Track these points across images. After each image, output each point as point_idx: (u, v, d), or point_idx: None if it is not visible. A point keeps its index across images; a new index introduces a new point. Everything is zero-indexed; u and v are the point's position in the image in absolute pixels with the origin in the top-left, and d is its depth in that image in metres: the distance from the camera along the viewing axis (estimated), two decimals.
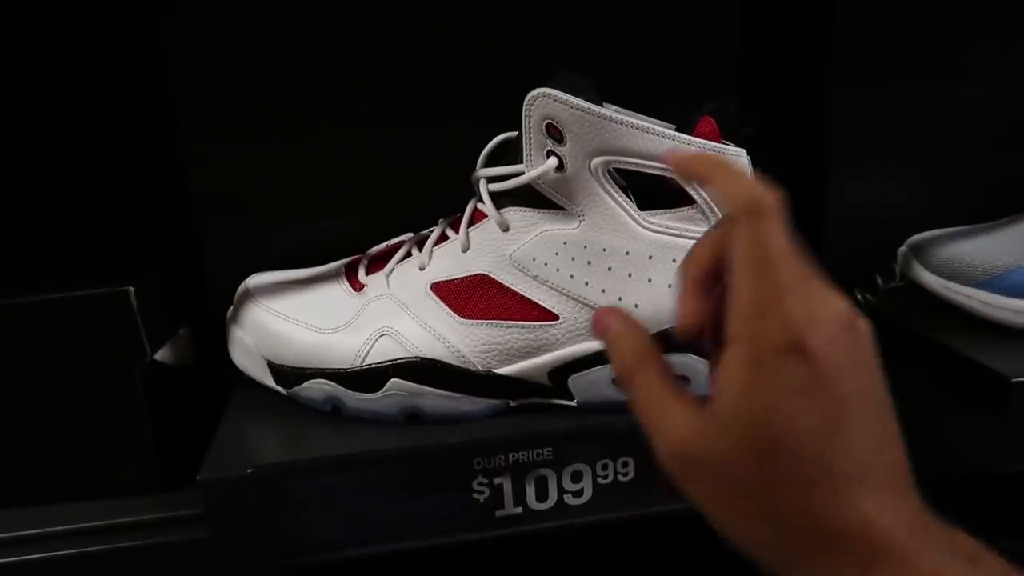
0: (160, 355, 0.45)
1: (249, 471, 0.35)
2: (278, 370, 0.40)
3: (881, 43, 0.48)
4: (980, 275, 0.45)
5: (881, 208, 0.51)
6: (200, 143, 0.45)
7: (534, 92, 0.34)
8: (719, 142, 0.37)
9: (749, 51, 0.47)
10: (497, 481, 0.37)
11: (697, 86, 0.47)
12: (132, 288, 0.42)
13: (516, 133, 0.41)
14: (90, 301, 0.42)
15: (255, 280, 0.43)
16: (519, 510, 0.38)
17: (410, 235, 0.44)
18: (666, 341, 0.34)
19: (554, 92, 0.34)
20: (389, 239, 0.45)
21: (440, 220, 0.43)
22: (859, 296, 0.51)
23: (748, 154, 0.37)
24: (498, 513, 0.38)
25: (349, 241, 0.47)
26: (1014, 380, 0.39)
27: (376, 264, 0.42)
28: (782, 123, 0.51)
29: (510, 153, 0.40)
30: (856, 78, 0.48)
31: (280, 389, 0.41)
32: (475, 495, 0.37)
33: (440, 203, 0.44)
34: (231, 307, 0.44)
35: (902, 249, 0.49)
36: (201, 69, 0.45)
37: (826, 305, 0.25)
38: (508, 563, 0.66)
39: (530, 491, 0.38)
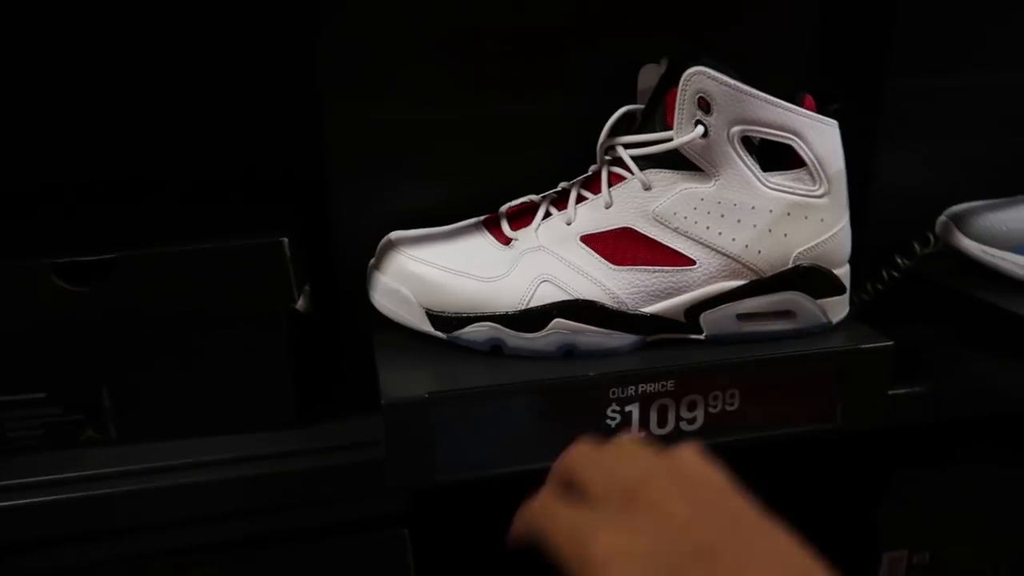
0: (298, 305, 0.50)
1: (426, 395, 0.42)
2: (438, 316, 0.46)
3: (931, 35, 0.58)
4: (1014, 240, 0.55)
5: (919, 184, 0.61)
6: (338, 103, 0.51)
7: (693, 69, 0.42)
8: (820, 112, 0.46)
9: (825, 42, 0.56)
10: (627, 409, 0.45)
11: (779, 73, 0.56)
12: (286, 239, 0.47)
13: (635, 107, 0.49)
14: (248, 250, 0.47)
15: (398, 235, 0.50)
16: (642, 434, 0.45)
17: (534, 196, 0.51)
18: (783, 280, 0.42)
19: (709, 70, 0.42)
20: (504, 201, 0.52)
21: (562, 183, 0.50)
22: (899, 260, 0.61)
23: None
24: None
25: (465, 203, 0.53)
26: None
27: (519, 220, 0.49)
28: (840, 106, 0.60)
29: (636, 123, 0.48)
30: (908, 66, 0.58)
31: (439, 334, 0.47)
32: (608, 421, 0.45)
33: (546, 168, 0.52)
34: (372, 260, 0.50)
35: (941, 218, 0.59)
36: (340, 32, 0.50)
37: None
38: None
39: (653, 418, 0.45)
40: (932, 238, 0.61)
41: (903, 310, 0.61)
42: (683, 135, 0.44)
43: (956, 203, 0.61)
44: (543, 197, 0.50)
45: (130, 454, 0.47)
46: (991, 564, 0.67)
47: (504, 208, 0.51)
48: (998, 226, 0.56)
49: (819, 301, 0.48)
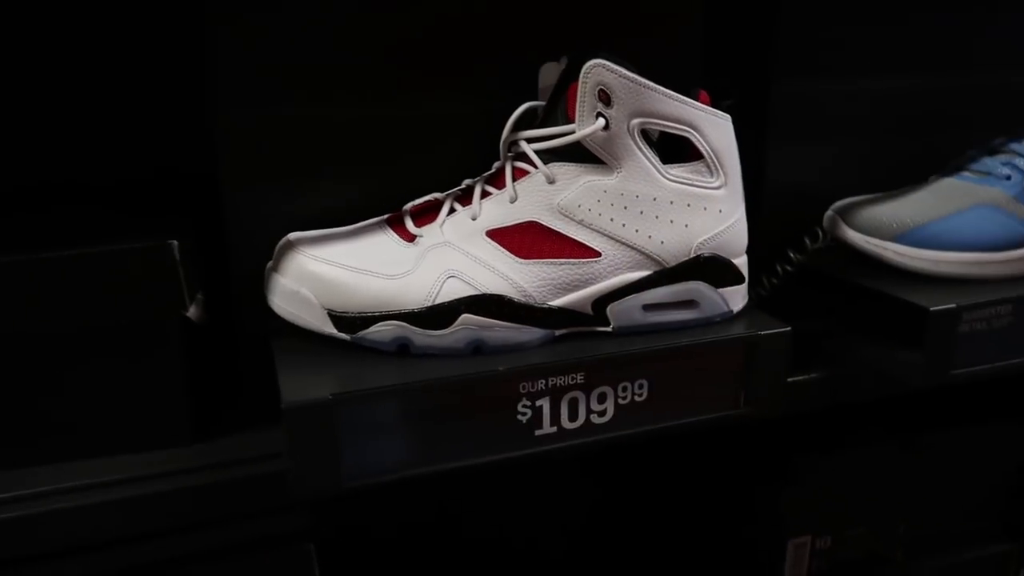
0: (190, 312, 0.48)
1: (329, 396, 0.40)
2: (340, 317, 0.45)
3: (815, 39, 0.62)
4: (894, 231, 0.58)
5: (809, 182, 0.65)
6: (229, 106, 0.49)
7: (592, 62, 0.43)
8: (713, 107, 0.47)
9: (710, 41, 0.59)
10: (538, 403, 0.45)
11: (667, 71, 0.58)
12: (176, 242, 0.45)
13: (537, 104, 0.49)
14: (134, 254, 0.45)
15: (298, 236, 0.48)
16: (554, 429, 0.46)
17: (438, 194, 0.51)
18: (686, 269, 0.43)
19: (609, 63, 0.43)
20: (406, 201, 0.51)
21: (466, 180, 0.50)
22: (792, 255, 0.64)
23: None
24: (537, 432, 0.45)
25: (362, 205, 0.52)
26: (932, 309, 0.52)
27: (423, 217, 0.48)
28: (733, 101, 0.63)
29: (538, 119, 0.48)
30: (793, 68, 0.61)
31: (342, 335, 0.45)
32: (519, 416, 0.45)
33: (447, 168, 0.52)
34: (269, 263, 0.48)
35: (828, 213, 0.63)
36: (229, 34, 0.48)
37: None
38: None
39: (564, 411, 0.46)
40: (821, 233, 0.64)
41: (798, 303, 0.64)
42: (585, 127, 0.45)
43: (847, 197, 0.64)
44: (447, 194, 0.50)
45: (8, 480, 0.44)
46: (889, 543, 0.71)
47: (408, 206, 0.50)
48: (879, 217, 0.59)
49: (720, 290, 0.49)
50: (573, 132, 0.45)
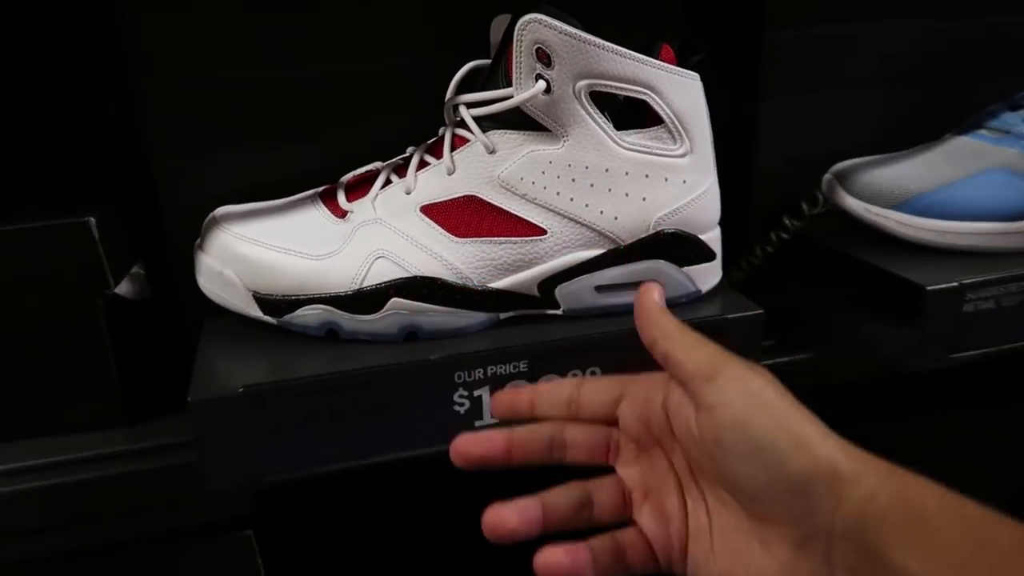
0: (120, 289, 0.46)
1: (240, 390, 0.38)
2: (266, 300, 0.43)
3: None
4: (897, 198, 0.53)
5: (807, 141, 0.59)
6: (151, 73, 0.46)
7: (526, 17, 0.39)
8: (678, 66, 0.43)
9: None
10: (476, 393, 0.42)
11: (644, 21, 0.53)
12: (92, 218, 0.43)
13: (485, 62, 0.45)
14: (49, 232, 0.43)
15: (224, 211, 0.45)
16: (496, 420, 0.43)
17: (379, 164, 0.47)
18: (644, 247, 0.40)
19: (545, 18, 0.39)
20: (350, 170, 0.48)
21: (410, 148, 0.46)
22: (787, 221, 0.59)
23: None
24: (477, 424, 0.43)
25: (307, 174, 0.49)
26: (929, 288, 0.48)
27: (356, 191, 0.45)
28: (718, 58, 0.58)
29: (481, 81, 0.44)
30: (787, 15, 0.55)
31: (268, 319, 0.43)
32: (456, 407, 0.42)
33: (398, 132, 0.48)
34: (198, 240, 0.46)
35: (826, 176, 0.58)
36: None
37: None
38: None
39: None
40: (820, 198, 0.59)
41: (791, 274, 0.60)
42: (523, 91, 0.41)
43: (850, 157, 0.59)
44: (386, 164, 0.46)
45: None
46: None
47: (345, 178, 0.47)
48: (881, 183, 0.54)
49: (685, 269, 0.45)
50: (511, 96, 0.41)
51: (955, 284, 0.48)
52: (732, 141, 0.59)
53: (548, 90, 0.41)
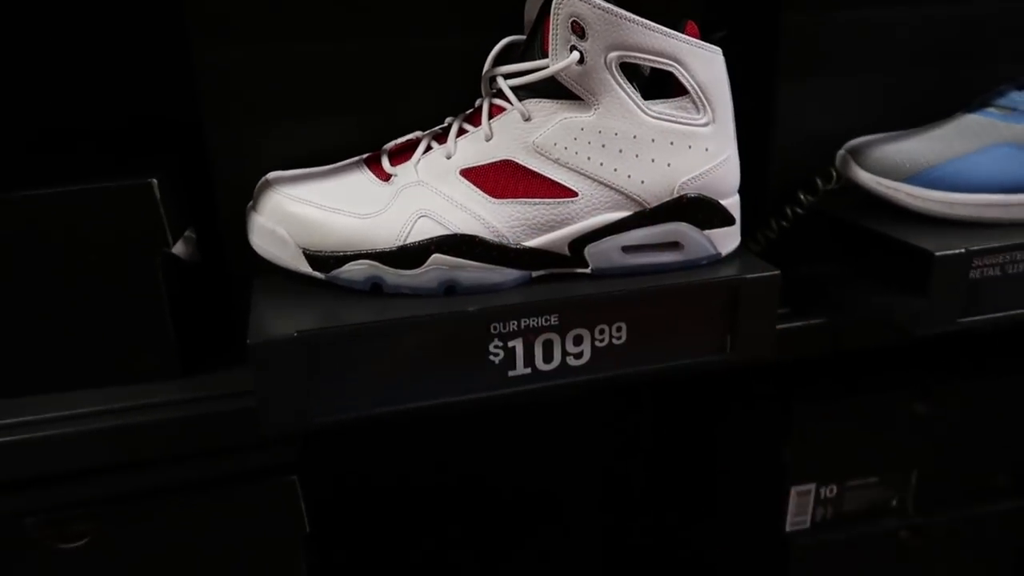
0: (176, 249, 0.49)
1: (294, 334, 0.42)
2: (315, 256, 0.46)
3: None
4: (907, 171, 0.56)
5: (822, 120, 0.62)
6: (205, 42, 0.49)
7: None
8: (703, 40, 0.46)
9: None
10: (511, 344, 0.45)
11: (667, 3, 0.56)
12: (155, 180, 0.46)
13: (520, 37, 0.49)
14: (116, 192, 0.46)
15: (276, 175, 0.49)
16: (528, 370, 0.46)
17: (419, 132, 0.51)
18: (668, 210, 0.43)
19: None
20: (393, 139, 0.51)
21: (448, 118, 0.50)
22: (802, 196, 0.62)
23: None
24: (510, 373, 0.46)
25: (350, 145, 0.53)
26: (938, 254, 0.50)
27: (400, 156, 0.48)
28: (738, 41, 0.61)
29: (519, 54, 0.47)
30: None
31: (317, 274, 0.47)
32: (491, 357, 0.45)
33: (436, 106, 0.51)
34: (250, 202, 0.49)
35: (840, 152, 0.60)
36: None
37: None
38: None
39: (538, 353, 0.46)
40: (835, 174, 0.62)
41: (806, 246, 0.63)
42: (558, 62, 0.44)
43: (863, 135, 0.62)
44: (427, 133, 0.50)
45: (4, 407, 0.47)
46: (900, 494, 0.70)
47: (388, 145, 0.50)
48: (892, 157, 0.57)
49: (706, 232, 0.48)
50: (547, 67, 0.44)
51: (962, 251, 0.51)
52: (751, 121, 0.62)
53: (581, 60, 0.44)
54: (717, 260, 0.50)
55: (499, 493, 0.84)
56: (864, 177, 0.58)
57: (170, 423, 0.49)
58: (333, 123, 0.53)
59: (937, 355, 0.71)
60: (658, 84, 0.47)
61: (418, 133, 0.51)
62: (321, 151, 0.53)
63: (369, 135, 0.53)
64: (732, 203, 0.49)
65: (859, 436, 0.68)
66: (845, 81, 0.62)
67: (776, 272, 0.49)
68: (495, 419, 0.80)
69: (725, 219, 0.49)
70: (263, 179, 0.49)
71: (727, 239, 0.50)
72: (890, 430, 0.68)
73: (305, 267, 0.47)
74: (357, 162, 0.50)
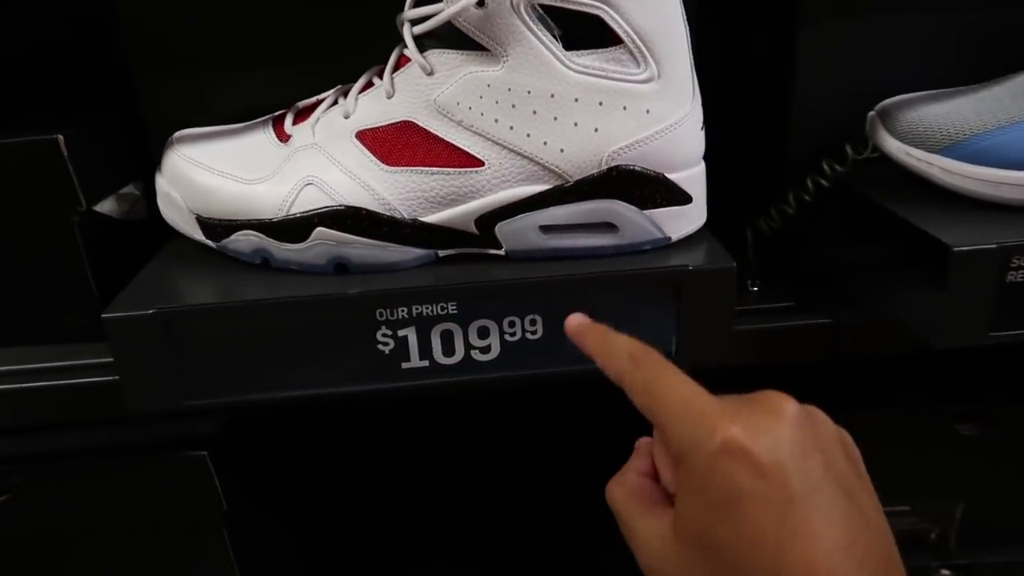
0: (103, 207, 0.47)
1: (151, 312, 0.38)
2: (206, 223, 0.43)
3: None
4: (944, 140, 0.45)
5: (853, 74, 0.51)
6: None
7: None
8: None
9: None
10: (402, 333, 0.40)
11: None
12: (61, 136, 0.44)
13: None
14: (19, 149, 0.44)
15: (181, 134, 0.45)
16: (425, 363, 0.41)
17: (342, 86, 0.45)
18: (595, 185, 0.35)
19: None
20: None
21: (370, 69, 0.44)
22: (826, 167, 0.52)
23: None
24: (404, 365, 0.41)
25: (289, 99, 0.48)
26: (956, 249, 0.40)
27: (303, 114, 0.44)
28: None
29: None
30: None
31: (210, 243, 0.43)
32: (380, 346, 0.40)
33: (386, 57, 0.45)
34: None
35: (871, 114, 0.50)
36: None
37: (765, 406, 0.26)
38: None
39: (436, 345, 0.40)
40: (870, 141, 0.51)
41: (821, 226, 0.53)
42: (453, 4, 0.37)
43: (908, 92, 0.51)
44: (339, 88, 0.44)
45: None
46: (942, 527, 0.60)
47: (303, 101, 0.46)
48: (927, 121, 0.46)
49: (648, 212, 0.41)
50: (442, 10, 0.38)
51: (992, 246, 0.40)
52: (767, 75, 0.53)
53: (481, 3, 0.37)
54: (665, 245, 0.42)
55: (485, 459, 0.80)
56: (892, 146, 0.48)
57: (85, 387, 0.47)
58: (269, 76, 0.49)
59: (1001, 366, 0.59)
60: (596, 31, 0.39)
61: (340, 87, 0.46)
62: (258, 106, 0.49)
63: (307, 90, 0.48)
64: (687, 176, 0.41)
65: (890, 456, 0.57)
66: (880, 25, 0.51)
67: (730, 265, 0.40)
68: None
69: (674, 197, 0.41)
70: (169, 138, 0.46)
71: (678, 221, 0.42)
72: (928, 452, 0.57)
73: (199, 234, 0.44)
74: (265, 121, 0.45)
